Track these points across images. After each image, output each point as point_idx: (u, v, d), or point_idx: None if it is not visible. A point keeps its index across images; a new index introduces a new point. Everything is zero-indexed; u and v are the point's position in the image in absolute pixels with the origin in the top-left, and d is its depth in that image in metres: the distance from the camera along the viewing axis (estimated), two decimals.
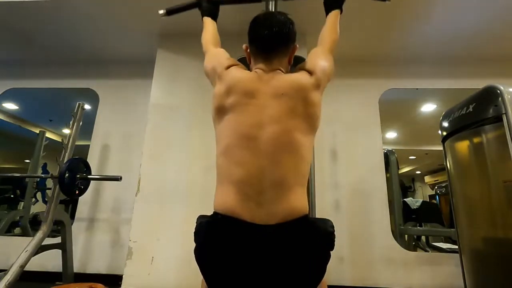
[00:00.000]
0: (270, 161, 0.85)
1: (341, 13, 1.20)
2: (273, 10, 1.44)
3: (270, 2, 1.42)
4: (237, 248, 0.80)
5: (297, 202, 0.84)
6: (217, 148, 0.94)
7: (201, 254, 0.85)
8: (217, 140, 0.95)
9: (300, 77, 0.96)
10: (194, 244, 0.88)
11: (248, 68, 1.07)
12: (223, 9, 1.38)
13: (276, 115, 0.89)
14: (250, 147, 0.86)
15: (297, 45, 1.04)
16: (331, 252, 0.86)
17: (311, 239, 0.82)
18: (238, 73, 0.98)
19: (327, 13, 1.22)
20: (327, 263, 0.84)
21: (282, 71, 1.01)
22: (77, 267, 2.68)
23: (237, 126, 0.90)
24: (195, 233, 0.90)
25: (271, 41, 0.99)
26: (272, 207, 0.81)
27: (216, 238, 0.83)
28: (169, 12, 1.28)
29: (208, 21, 1.31)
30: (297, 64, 1.06)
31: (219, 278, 0.82)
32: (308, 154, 0.91)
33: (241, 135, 0.88)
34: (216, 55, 1.12)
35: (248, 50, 1.06)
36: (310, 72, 0.97)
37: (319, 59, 1.03)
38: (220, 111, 0.95)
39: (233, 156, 0.87)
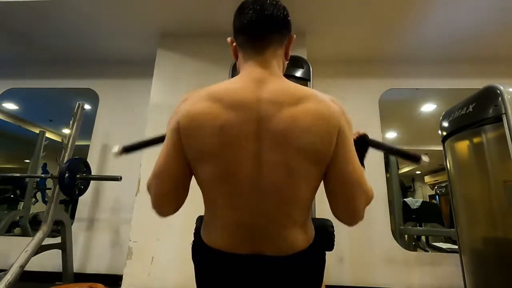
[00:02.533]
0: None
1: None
2: None
3: None
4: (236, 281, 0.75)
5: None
6: None
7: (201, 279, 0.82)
8: None
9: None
10: None
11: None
12: (221, 9, 1.34)
13: None
14: None
15: (294, 35, 0.86)
16: (330, 252, 0.86)
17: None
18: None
19: None
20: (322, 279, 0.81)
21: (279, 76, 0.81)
22: (77, 267, 2.68)
23: None
24: (194, 233, 0.89)
25: (262, 26, 0.79)
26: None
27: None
28: (126, 150, 0.98)
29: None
30: (295, 63, 1.00)
31: None
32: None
33: None
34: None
35: (234, 44, 0.86)
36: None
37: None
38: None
39: None
